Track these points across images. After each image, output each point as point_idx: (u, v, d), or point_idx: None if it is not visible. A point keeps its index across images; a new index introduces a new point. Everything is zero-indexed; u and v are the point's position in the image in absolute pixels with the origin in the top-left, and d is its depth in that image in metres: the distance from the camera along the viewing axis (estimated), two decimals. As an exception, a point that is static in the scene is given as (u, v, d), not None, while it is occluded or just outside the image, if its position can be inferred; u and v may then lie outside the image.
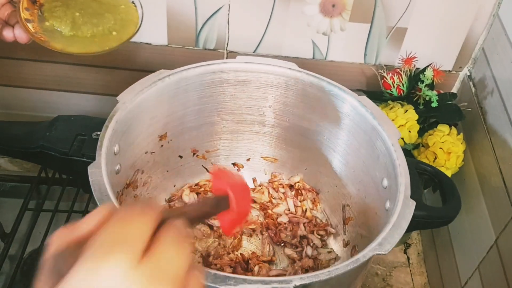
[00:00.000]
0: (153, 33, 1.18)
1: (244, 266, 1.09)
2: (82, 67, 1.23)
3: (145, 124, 1.03)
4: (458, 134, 1.19)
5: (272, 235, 1.16)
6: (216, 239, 1.14)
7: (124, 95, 0.97)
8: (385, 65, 1.23)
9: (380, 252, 0.77)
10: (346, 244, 1.13)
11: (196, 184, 1.23)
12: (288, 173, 1.24)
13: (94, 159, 0.86)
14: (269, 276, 1.06)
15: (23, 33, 0.84)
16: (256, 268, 1.08)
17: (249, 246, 1.14)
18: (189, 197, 1.19)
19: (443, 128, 1.18)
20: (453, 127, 1.20)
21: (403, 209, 0.84)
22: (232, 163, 1.23)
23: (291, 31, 1.18)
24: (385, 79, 1.20)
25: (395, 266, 1.32)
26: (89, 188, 0.82)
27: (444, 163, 1.15)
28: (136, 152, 1.04)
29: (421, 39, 1.19)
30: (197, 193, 1.21)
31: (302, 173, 1.22)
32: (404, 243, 1.38)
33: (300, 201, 1.21)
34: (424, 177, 1.02)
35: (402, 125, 1.16)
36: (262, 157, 1.22)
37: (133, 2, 0.91)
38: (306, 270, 1.09)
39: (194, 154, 1.19)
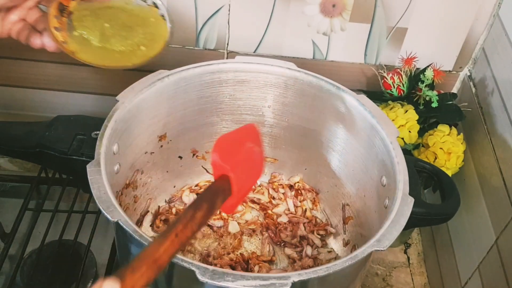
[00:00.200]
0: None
1: (244, 266, 1.09)
2: (81, 67, 1.23)
3: (144, 124, 1.03)
4: (458, 134, 1.19)
5: (272, 235, 1.16)
6: (216, 239, 1.14)
7: (123, 95, 0.97)
8: (385, 65, 1.23)
9: (378, 249, 0.77)
10: (346, 244, 1.13)
11: (196, 185, 1.23)
12: (287, 173, 1.24)
13: (93, 158, 0.86)
14: (269, 275, 1.06)
15: (52, 42, 0.82)
16: (256, 268, 1.07)
17: (249, 246, 1.14)
18: (189, 198, 1.19)
19: (443, 128, 1.18)
20: (453, 127, 1.19)
21: (401, 206, 0.84)
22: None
23: (291, 31, 1.18)
24: (385, 79, 1.20)
25: (395, 266, 1.32)
26: (88, 187, 0.82)
27: (444, 163, 1.15)
28: (135, 152, 1.04)
29: (421, 39, 1.19)
30: (197, 194, 1.21)
31: (301, 173, 1.22)
32: (404, 243, 1.37)
33: (300, 201, 1.21)
34: (423, 175, 1.02)
35: (402, 125, 1.15)
36: (262, 157, 1.22)
37: (162, 15, 0.88)
38: (306, 270, 1.09)
39: (194, 154, 1.19)
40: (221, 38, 1.20)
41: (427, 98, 1.18)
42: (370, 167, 1.01)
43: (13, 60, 1.23)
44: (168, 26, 0.88)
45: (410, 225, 0.83)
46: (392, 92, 1.20)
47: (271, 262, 1.12)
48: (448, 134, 1.17)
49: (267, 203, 1.21)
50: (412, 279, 1.30)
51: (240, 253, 1.12)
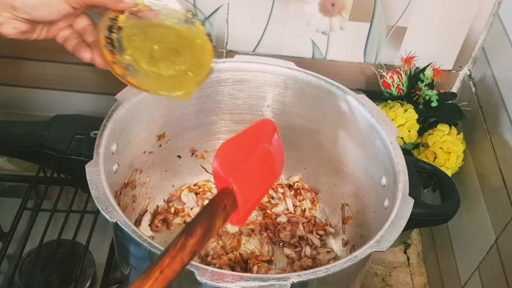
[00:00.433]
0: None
1: (243, 265, 1.08)
2: (80, 66, 1.23)
3: (143, 124, 1.03)
4: (458, 133, 1.19)
5: (271, 235, 1.15)
6: (215, 239, 1.14)
7: (122, 94, 0.97)
8: (384, 65, 1.22)
9: (378, 250, 0.77)
10: (345, 244, 1.13)
11: (195, 184, 1.23)
12: (287, 172, 1.23)
13: (92, 158, 0.86)
14: (268, 275, 1.05)
15: (101, 60, 0.79)
16: (255, 268, 1.07)
17: (248, 246, 1.14)
18: (187, 198, 1.19)
19: (443, 127, 1.18)
20: (453, 126, 1.19)
21: (401, 207, 0.83)
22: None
23: (290, 31, 1.18)
24: (384, 78, 1.19)
25: (394, 266, 1.32)
26: (87, 187, 0.82)
27: (444, 163, 1.15)
28: (134, 152, 1.03)
29: (421, 38, 1.19)
30: (196, 193, 1.21)
31: (301, 173, 1.22)
32: (404, 243, 1.37)
33: (299, 201, 1.20)
34: (423, 175, 1.02)
35: (401, 125, 1.15)
36: (261, 157, 1.22)
37: (209, 35, 0.85)
38: (305, 270, 1.08)
39: (192, 154, 1.18)
40: (220, 37, 1.19)
41: (427, 98, 1.18)
42: (370, 167, 1.01)
43: (12, 59, 1.23)
44: (213, 48, 0.85)
45: (410, 226, 0.83)
46: (392, 91, 1.20)
47: (270, 262, 1.11)
48: (447, 134, 1.17)
49: (266, 203, 1.21)
50: (412, 279, 1.30)
51: (239, 253, 1.11)
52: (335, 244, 1.15)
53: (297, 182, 1.22)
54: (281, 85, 1.09)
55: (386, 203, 0.91)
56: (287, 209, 1.20)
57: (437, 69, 1.19)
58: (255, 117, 1.14)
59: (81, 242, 1.21)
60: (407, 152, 1.20)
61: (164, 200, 1.19)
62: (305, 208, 1.19)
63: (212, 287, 0.71)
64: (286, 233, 1.15)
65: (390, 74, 1.19)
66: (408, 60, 1.19)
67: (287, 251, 1.14)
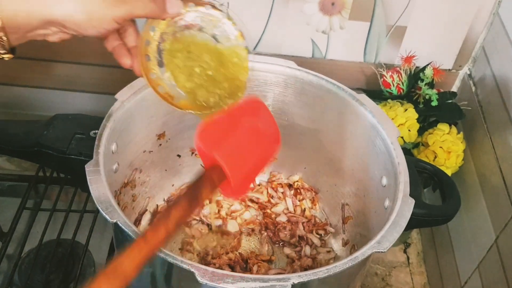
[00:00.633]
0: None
1: (243, 265, 1.08)
2: (80, 65, 1.23)
3: (143, 123, 1.02)
4: (458, 133, 1.19)
5: (271, 234, 1.15)
6: (215, 239, 1.14)
7: (122, 94, 0.97)
8: (384, 64, 1.22)
9: (378, 250, 0.77)
10: (345, 243, 1.12)
11: (195, 184, 1.22)
12: (287, 172, 1.23)
13: (91, 157, 0.86)
14: (268, 275, 1.05)
15: (140, 69, 0.78)
16: (255, 268, 1.07)
17: (248, 245, 1.14)
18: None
19: (443, 127, 1.18)
20: (453, 126, 1.19)
21: (402, 207, 0.83)
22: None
23: (290, 30, 1.18)
24: (384, 77, 1.19)
25: (394, 266, 1.32)
26: (87, 187, 0.82)
27: (444, 162, 1.15)
28: (134, 151, 1.03)
29: (421, 37, 1.19)
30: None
31: (301, 172, 1.22)
32: (404, 242, 1.37)
33: (299, 201, 1.20)
34: (423, 175, 1.02)
35: (402, 124, 1.15)
36: (261, 156, 1.22)
37: (246, 47, 0.82)
38: (305, 270, 1.07)
39: (192, 153, 1.18)
40: (220, 37, 1.19)
41: (427, 97, 1.18)
42: (370, 167, 1.01)
43: (11, 59, 1.23)
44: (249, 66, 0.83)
45: (411, 226, 0.83)
46: (392, 90, 1.20)
47: (270, 261, 1.11)
48: (447, 133, 1.17)
49: (266, 202, 1.20)
50: (412, 278, 1.30)
51: (239, 253, 1.11)
52: (335, 244, 1.15)
53: (297, 181, 1.21)
54: (282, 84, 1.09)
55: (386, 203, 0.91)
56: (287, 209, 1.20)
57: (437, 68, 1.19)
58: (255, 117, 1.14)
59: (80, 242, 1.20)
60: (407, 151, 1.20)
61: (164, 200, 1.19)
62: (305, 208, 1.19)
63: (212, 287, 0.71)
64: (286, 232, 1.15)
65: (390, 73, 1.19)
66: (408, 59, 1.19)
67: (287, 250, 1.14)
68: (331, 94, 1.05)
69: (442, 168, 1.11)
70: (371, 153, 1.00)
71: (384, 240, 0.78)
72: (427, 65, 1.19)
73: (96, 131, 0.90)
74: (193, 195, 0.67)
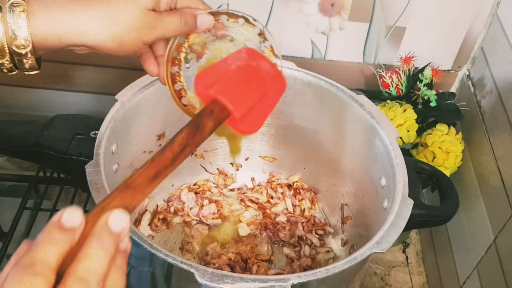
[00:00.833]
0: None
1: (243, 265, 1.08)
2: (80, 66, 1.23)
3: (143, 123, 1.03)
4: (457, 133, 1.19)
5: (271, 234, 1.16)
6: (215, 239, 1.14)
7: (122, 94, 0.97)
8: (384, 65, 1.23)
9: (377, 251, 0.77)
10: (344, 244, 1.13)
11: (195, 184, 1.23)
12: (286, 172, 1.24)
13: (92, 158, 0.86)
14: (267, 275, 1.06)
15: (164, 78, 0.79)
16: (254, 268, 1.08)
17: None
18: (187, 197, 1.19)
19: (441, 127, 1.18)
20: (451, 126, 1.20)
21: (401, 208, 0.84)
22: (230, 163, 1.23)
23: (290, 30, 1.18)
24: (384, 78, 1.20)
25: (393, 266, 1.32)
26: (87, 187, 0.82)
27: (443, 163, 1.15)
28: (134, 152, 1.03)
29: (420, 38, 1.19)
30: (196, 193, 1.21)
31: (300, 173, 1.22)
32: (403, 242, 1.38)
33: (298, 201, 1.20)
34: (422, 176, 1.02)
35: (400, 125, 1.15)
36: (260, 156, 1.22)
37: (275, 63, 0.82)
38: (305, 269, 1.09)
39: (192, 153, 1.18)
40: (219, 37, 1.19)
41: (426, 98, 1.18)
42: (369, 168, 1.01)
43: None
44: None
45: (409, 226, 0.83)
46: (391, 91, 1.20)
47: (270, 261, 1.12)
48: (446, 134, 1.17)
49: (265, 202, 1.21)
50: (411, 278, 1.30)
51: (238, 253, 1.11)
52: (334, 244, 1.15)
53: (296, 181, 1.22)
54: (281, 85, 1.09)
55: (385, 203, 0.92)
56: (287, 209, 1.20)
57: (436, 69, 1.19)
58: (254, 117, 1.14)
59: (80, 242, 1.20)
60: (406, 152, 1.21)
61: (164, 200, 1.19)
62: (304, 208, 1.19)
63: (212, 288, 0.72)
64: (285, 232, 1.16)
65: (389, 74, 1.19)
66: (407, 60, 1.19)
67: (287, 250, 1.14)
68: (330, 95, 1.05)
69: (440, 168, 1.12)
70: (370, 153, 1.00)
71: (383, 240, 0.79)
72: (426, 65, 1.19)
73: (96, 132, 0.90)
74: (195, 124, 0.66)
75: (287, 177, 1.24)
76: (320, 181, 1.19)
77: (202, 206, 1.18)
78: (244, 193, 1.22)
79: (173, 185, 1.20)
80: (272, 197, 1.22)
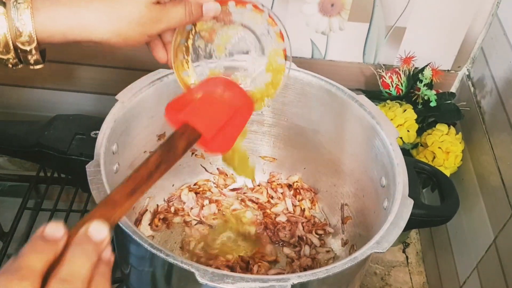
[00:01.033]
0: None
1: (243, 265, 1.08)
2: (81, 66, 1.23)
3: (143, 124, 1.03)
4: (457, 133, 1.19)
5: (271, 234, 1.16)
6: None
7: (122, 94, 0.96)
8: (384, 65, 1.23)
9: (378, 251, 0.77)
10: (344, 243, 1.13)
11: (195, 184, 1.23)
12: (286, 172, 1.24)
13: (92, 158, 0.86)
14: (268, 275, 1.06)
15: (173, 64, 0.79)
16: (255, 268, 1.07)
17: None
18: (187, 197, 1.19)
19: (441, 127, 1.18)
20: (451, 126, 1.20)
21: (401, 208, 0.84)
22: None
23: (290, 31, 1.17)
24: (383, 78, 1.20)
25: (393, 266, 1.32)
26: (87, 187, 0.82)
27: (443, 163, 1.15)
28: (134, 152, 1.03)
29: (420, 38, 1.19)
30: (196, 193, 1.21)
31: (300, 173, 1.22)
32: (403, 242, 1.38)
33: (298, 201, 1.20)
34: (422, 176, 1.02)
35: (400, 125, 1.16)
36: (260, 156, 1.22)
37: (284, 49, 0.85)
38: (305, 269, 1.09)
39: (192, 153, 1.19)
40: (220, 37, 1.19)
41: (426, 98, 1.18)
42: (369, 168, 1.01)
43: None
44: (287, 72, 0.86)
45: (409, 226, 0.83)
46: (391, 91, 1.20)
47: (275, 262, 1.11)
48: (446, 134, 1.17)
49: (265, 202, 1.21)
50: (411, 278, 1.30)
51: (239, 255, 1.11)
52: (335, 244, 1.15)
53: (296, 181, 1.22)
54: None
55: (385, 203, 0.92)
56: (287, 209, 1.20)
57: (436, 69, 1.19)
58: (254, 117, 1.15)
59: (81, 242, 1.20)
60: (406, 152, 1.21)
61: (164, 200, 1.19)
62: (304, 208, 1.19)
63: None
64: (285, 232, 1.16)
65: (389, 74, 1.19)
66: (407, 60, 1.19)
67: (287, 250, 1.14)
68: (330, 95, 1.05)
69: (440, 168, 1.12)
70: (370, 153, 1.00)
71: (383, 240, 0.79)
72: (426, 66, 1.19)
73: (97, 132, 0.90)
74: (168, 144, 0.68)
75: (287, 177, 1.24)
76: (320, 181, 1.19)
77: (202, 206, 1.18)
78: (244, 193, 1.22)
79: (173, 185, 1.20)
80: (272, 197, 1.22)
